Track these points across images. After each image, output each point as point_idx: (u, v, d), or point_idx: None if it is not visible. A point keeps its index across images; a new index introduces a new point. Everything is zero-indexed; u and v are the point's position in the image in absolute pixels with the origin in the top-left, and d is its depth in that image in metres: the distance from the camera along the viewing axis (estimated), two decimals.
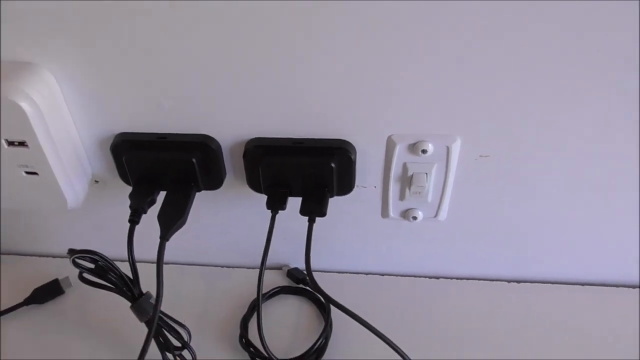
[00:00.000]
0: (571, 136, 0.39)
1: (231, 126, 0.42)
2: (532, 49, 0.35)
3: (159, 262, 0.40)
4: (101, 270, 0.41)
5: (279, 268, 0.54)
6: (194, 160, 0.42)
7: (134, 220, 0.42)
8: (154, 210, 0.43)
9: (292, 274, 0.53)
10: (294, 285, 0.52)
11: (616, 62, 0.35)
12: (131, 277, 0.42)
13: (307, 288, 0.51)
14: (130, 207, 0.42)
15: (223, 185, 0.45)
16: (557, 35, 0.34)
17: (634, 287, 0.51)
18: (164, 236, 0.41)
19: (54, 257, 0.56)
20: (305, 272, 0.52)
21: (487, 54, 0.35)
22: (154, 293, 0.41)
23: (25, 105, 0.37)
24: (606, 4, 0.32)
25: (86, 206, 0.46)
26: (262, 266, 0.42)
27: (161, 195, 0.44)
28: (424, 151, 0.41)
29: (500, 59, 0.35)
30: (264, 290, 0.49)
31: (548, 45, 0.34)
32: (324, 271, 0.53)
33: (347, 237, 0.50)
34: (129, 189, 0.44)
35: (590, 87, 0.36)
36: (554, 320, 0.49)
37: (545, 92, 0.37)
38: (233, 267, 0.54)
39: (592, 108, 0.38)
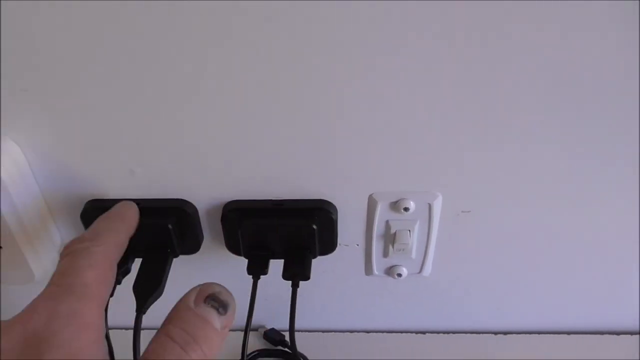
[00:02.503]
0: (552, 190, 0.40)
1: (207, 189, 0.41)
2: (509, 105, 0.35)
3: (136, 336, 0.38)
4: None
5: (254, 329, 0.52)
6: (169, 226, 0.40)
7: None
8: (129, 278, 0.41)
9: (270, 335, 0.51)
10: (273, 347, 0.50)
11: (596, 110, 0.35)
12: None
13: (287, 350, 0.50)
14: None
15: (200, 249, 0.43)
16: (535, 89, 0.34)
17: (620, 334, 0.51)
18: (140, 309, 0.38)
19: None
20: (282, 333, 0.50)
21: (463, 112, 0.35)
22: None
23: None
24: (569, 37, 0.32)
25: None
26: (246, 335, 0.40)
27: (136, 262, 0.42)
28: (405, 209, 0.40)
29: (477, 116, 0.35)
30: (235, 356, 0.46)
31: (524, 101, 0.35)
32: (307, 330, 0.51)
33: (330, 296, 0.49)
34: None
35: (571, 139, 0.37)
36: None
37: (523, 148, 0.37)
38: None
39: (573, 161, 0.38)
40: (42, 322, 0.26)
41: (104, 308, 0.29)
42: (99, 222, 0.35)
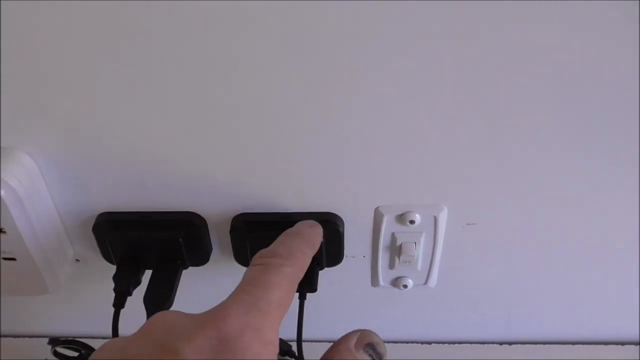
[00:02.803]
0: (558, 203, 0.40)
1: (217, 202, 0.41)
2: (515, 118, 0.35)
3: None
4: None
5: None
6: (180, 239, 0.41)
7: (119, 304, 0.40)
8: (140, 290, 0.42)
9: None
10: (280, 357, 0.51)
11: (605, 122, 0.36)
12: None
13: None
14: (115, 290, 0.41)
15: (209, 260, 0.44)
16: (539, 104, 0.35)
17: (632, 344, 0.51)
18: None
19: (30, 337, 0.53)
20: (289, 343, 0.50)
21: (469, 126, 0.36)
22: None
23: (2, 193, 0.36)
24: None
25: (67, 286, 0.45)
26: None
27: (147, 274, 0.43)
28: (411, 222, 0.41)
29: (483, 129, 0.36)
30: None
31: (530, 113, 0.35)
32: (315, 341, 0.52)
33: (337, 306, 0.49)
34: (112, 267, 0.43)
35: (579, 153, 0.37)
36: None
37: (529, 161, 0.38)
38: None
39: (580, 174, 0.38)
40: (235, 330, 0.26)
41: (278, 329, 0.30)
42: (293, 240, 0.34)
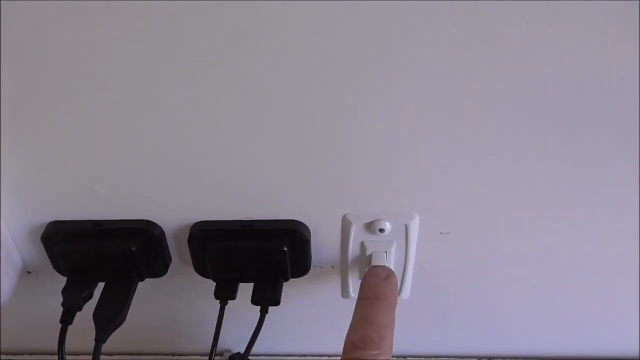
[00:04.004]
0: (535, 210, 0.38)
1: (174, 210, 0.39)
2: (488, 125, 0.33)
3: None
4: None
5: (219, 354, 0.50)
6: (133, 248, 0.38)
7: (66, 320, 0.38)
8: (92, 302, 0.39)
9: (235, 359, 0.49)
10: None
11: (582, 130, 0.34)
12: None
13: None
14: (63, 305, 0.38)
15: (168, 271, 0.42)
16: (514, 112, 0.33)
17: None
18: (100, 338, 0.37)
19: None
20: (250, 358, 0.48)
21: (442, 134, 0.34)
22: None
23: None
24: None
25: (18, 299, 0.42)
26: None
27: (100, 286, 0.40)
28: (381, 230, 0.39)
29: (455, 136, 0.34)
30: None
31: (504, 122, 0.33)
32: (283, 355, 0.49)
33: (306, 319, 0.47)
34: (65, 279, 0.40)
35: (556, 161, 0.35)
36: None
37: (504, 168, 0.35)
38: (182, 355, 0.50)
39: (558, 181, 0.36)
40: None
41: None
42: (377, 312, 0.34)
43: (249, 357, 0.48)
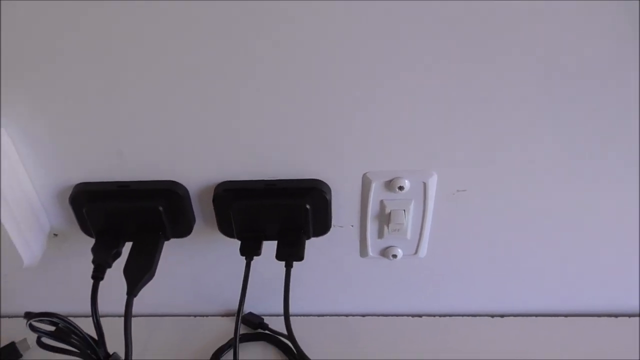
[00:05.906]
0: (548, 166, 0.39)
1: (198, 170, 0.40)
2: (505, 83, 0.34)
3: (127, 321, 0.38)
4: (62, 334, 0.38)
5: (230, 315, 0.51)
6: (160, 208, 0.39)
7: (97, 276, 0.39)
8: (120, 262, 0.41)
9: (248, 319, 0.50)
10: (252, 331, 0.49)
11: (591, 97, 0.35)
12: (96, 337, 0.39)
13: (267, 332, 0.49)
14: (93, 262, 0.39)
15: (192, 232, 0.43)
16: (531, 75, 0.33)
17: (619, 316, 0.50)
18: (131, 292, 0.38)
19: (9, 317, 0.52)
20: (260, 316, 0.50)
21: (460, 90, 0.35)
22: (121, 351, 0.38)
23: None
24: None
25: (45, 262, 0.43)
26: (238, 318, 0.40)
27: (127, 246, 0.42)
28: (400, 188, 0.40)
29: (474, 94, 0.35)
30: (222, 341, 0.47)
31: (522, 83, 0.34)
32: (301, 315, 0.50)
33: (325, 279, 0.48)
34: (92, 241, 0.41)
35: (568, 121, 0.36)
36: (541, 354, 0.47)
37: (519, 126, 0.36)
38: (204, 316, 0.51)
39: (568, 137, 0.37)
40: None
41: None
42: None
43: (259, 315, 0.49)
